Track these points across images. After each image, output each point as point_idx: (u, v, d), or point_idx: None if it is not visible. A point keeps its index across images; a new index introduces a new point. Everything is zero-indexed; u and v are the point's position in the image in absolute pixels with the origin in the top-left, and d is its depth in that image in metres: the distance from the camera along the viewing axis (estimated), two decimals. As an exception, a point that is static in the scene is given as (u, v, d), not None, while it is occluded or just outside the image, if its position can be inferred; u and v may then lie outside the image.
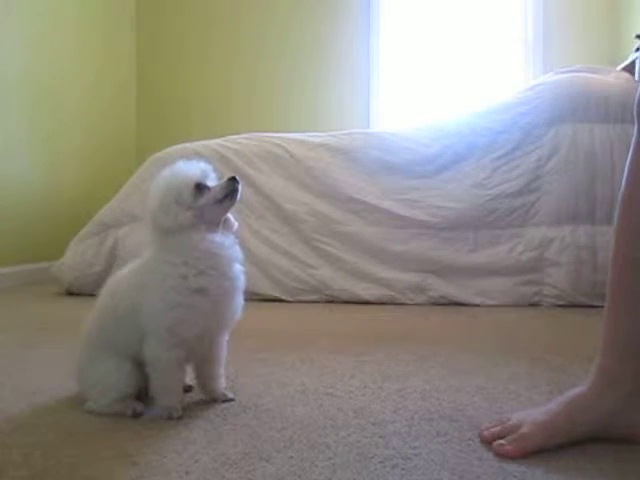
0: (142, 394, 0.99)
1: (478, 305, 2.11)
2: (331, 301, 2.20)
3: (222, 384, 1.04)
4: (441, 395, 1.06)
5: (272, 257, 2.30)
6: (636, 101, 0.84)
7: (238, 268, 0.99)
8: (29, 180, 2.91)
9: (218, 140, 2.63)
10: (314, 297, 2.22)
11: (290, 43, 3.73)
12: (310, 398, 1.04)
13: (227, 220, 1.01)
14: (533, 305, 2.12)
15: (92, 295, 2.41)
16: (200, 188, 0.96)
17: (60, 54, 3.15)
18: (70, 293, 2.44)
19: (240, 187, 0.98)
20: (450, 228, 2.24)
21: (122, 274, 1.06)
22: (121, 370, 0.96)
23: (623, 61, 2.68)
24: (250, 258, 2.33)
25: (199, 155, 2.51)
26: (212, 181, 1.00)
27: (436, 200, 2.28)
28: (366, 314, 1.98)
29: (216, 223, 0.98)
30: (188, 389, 1.09)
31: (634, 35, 2.55)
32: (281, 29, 3.75)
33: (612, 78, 2.38)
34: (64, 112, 3.18)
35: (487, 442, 0.82)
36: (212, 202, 0.96)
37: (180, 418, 0.94)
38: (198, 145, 2.59)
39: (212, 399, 1.02)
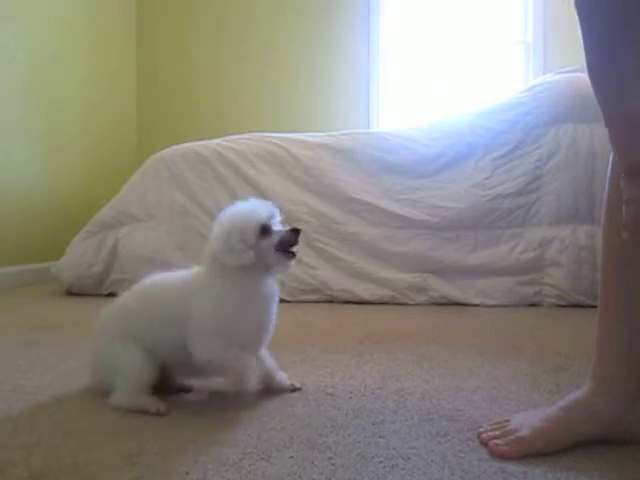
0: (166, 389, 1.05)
1: (478, 305, 2.11)
2: (331, 301, 2.20)
3: (282, 376, 1.10)
4: (441, 395, 1.06)
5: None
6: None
7: (274, 311, 1.06)
8: (29, 180, 2.91)
9: (218, 140, 2.63)
10: (314, 297, 2.22)
11: (292, 43, 3.73)
12: (310, 398, 1.04)
13: (290, 262, 1.06)
14: (533, 305, 2.12)
15: (92, 295, 2.45)
16: (265, 230, 1.01)
17: (60, 52, 3.14)
18: (70, 293, 2.44)
19: (300, 239, 1.03)
20: (450, 228, 2.24)
21: (167, 282, 1.09)
22: (144, 362, 1.01)
23: (623, 61, 2.68)
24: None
25: (199, 155, 2.52)
26: (277, 224, 1.05)
27: (436, 200, 2.28)
28: (366, 314, 1.98)
29: (271, 266, 1.03)
30: (186, 389, 1.09)
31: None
32: (285, 29, 3.74)
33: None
34: (64, 112, 3.18)
35: (485, 444, 0.82)
36: (272, 248, 1.01)
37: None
38: (198, 145, 2.59)
39: (280, 390, 1.08)
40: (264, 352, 1.10)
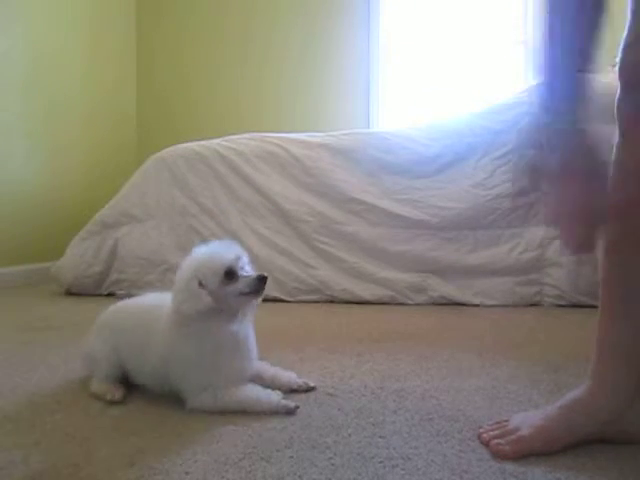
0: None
1: (478, 305, 2.11)
2: (331, 301, 2.20)
3: (290, 376, 1.09)
4: (441, 395, 1.06)
5: (272, 257, 2.30)
6: (616, 102, 0.84)
7: (249, 352, 1.05)
8: (29, 180, 2.91)
9: (218, 140, 2.63)
10: (314, 297, 2.22)
11: (292, 43, 3.73)
12: (310, 398, 1.04)
13: (253, 309, 1.05)
14: (533, 305, 2.12)
15: (92, 295, 2.45)
16: (230, 275, 0.98)
17: (60, 53, 3.14)
18: (70, 293, 2.44)
19: (266, 286, 1.00)
20: (450, 228, 2.24)
21: (151, 317, 1.09)
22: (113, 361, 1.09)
23: (623, 61, 2.68)
24: (250, 258, 2.33)
25: (199, 155, 2.52)
26: (243, 267, 1.01)
27: (436, 200, 2.28)
28: (366, 314, 1.98)
29: (236, 311, 1.01)
30: None
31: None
32: (285, 29, 3.75)
33: (611, 78, 2.37)
34: (64, 112, 3.18)
35: (485, 444, 0.82)
36: (237, 294, 0.98)
37: (296, 408, 0.97)
38: (198, 145, 2.59)
39: (293, 391, 1.07)
40: (259, 365, 1.09)
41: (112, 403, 1.02)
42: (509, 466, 0.76)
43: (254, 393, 0.99)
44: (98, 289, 2.43)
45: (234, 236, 2.37)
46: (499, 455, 0.79)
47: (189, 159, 2.52)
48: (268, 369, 1.10)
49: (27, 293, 2.52)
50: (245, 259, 1.03)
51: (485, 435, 0.84)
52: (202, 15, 3.85)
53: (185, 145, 2.61)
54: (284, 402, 0.97)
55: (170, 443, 0.84)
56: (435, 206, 2.27)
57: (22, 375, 1.21)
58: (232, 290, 0.98)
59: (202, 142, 2.62)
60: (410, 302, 2.16)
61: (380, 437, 0.86)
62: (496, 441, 0.81)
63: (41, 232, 2.92)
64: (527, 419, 0.84)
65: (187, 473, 0.75)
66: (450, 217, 2.24)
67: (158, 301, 1.11)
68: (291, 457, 0.79)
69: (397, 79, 3.68)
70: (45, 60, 3.02)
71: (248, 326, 1.05)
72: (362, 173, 2.38)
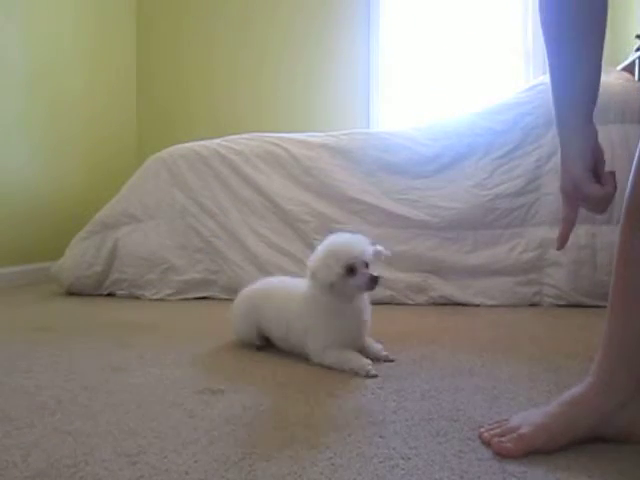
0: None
1: (478, 305, 2.11)
2: (331, 301, 2.20)
3: (376, 346, 1.32)
4: (441, 395, 1.06)
5: (272, 257, 2.30)
6: None
7: (363, 324, 1.30)
8: (30, 181, 2.91)
9: (218, 140, 2.63)
10: (314, 297, 2.22)
11: (291, 43, 3.73)
12: (310, 398, 1.04)
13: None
14: (533, 305, 2.12)
15: (92, 295, 2.45)
16: (351, 269, 1.21)
17: (61, 56, 3.14)
18: (70, 293, 2.44)
19: (377, 286, 1.23)
20: (450, 228, 2.24)
21: (289, 291, 1.40)
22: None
23: (623, 61, 2.68)
24: (250, 258, 2.34)
25: (199, 155, 2.52)
26: (367, 258, 1.23)
27: (436, 200, 2.28)
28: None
29: (352, 296, 1.26)
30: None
31: (634, 35, 2.55)
32: (283, 29, 3.75)
33: (612, 78, 2.37)
34: (65, 114, 3.18)
35: (487, 442, 0.83)
36: (353, 286, 1.22)
37: (375, 376, 1.18)
38: (198, 145, 2.59)
39: (377, 360, 1.28)
40: (366, 343, 1.32)
41: (258, 349, 1.40)
42: (509, 466, 0.76)
43: (349, 356, 1.22)
44: (98, 289, 2.44)
45: (234, 236, 2.38)
46: (501, 453, 0.79)
47: (189, 159, 2.52)
48: (366, 339, 1.32)
49: (27, 293, 2.52)
50: (369, 253, 1.24)
51: (486, 434, 0.84)
52: (200, 17, 3.86)
53: (185, 145, 2.61)
54: (368, 368, 1.18)
55: (170, 443, 0.84)
56: (435, 206, 2.27)
57: (22, 375, 1.21)
58: (350, 283, 1.21)
59: (202, 142, 2.62)
60: (410, 302, 2.16)
61: (380, 437, 0.86)
62: (498, 439, 0.81)
63: (41, 232, 2.93)
64: (528, 417, 0.84)
65: (187, 473, 0.74)
66: (450, 217, 2.24)
67: (294, 282, 1.42)
68: (291, 457, 0.79)
69: (397, 79, 3.68)
70: (46, 63, 3.03)
71: (366, 304, 1.30)
72: (362, 173, 2.38)
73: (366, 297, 1.30)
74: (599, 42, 0.86)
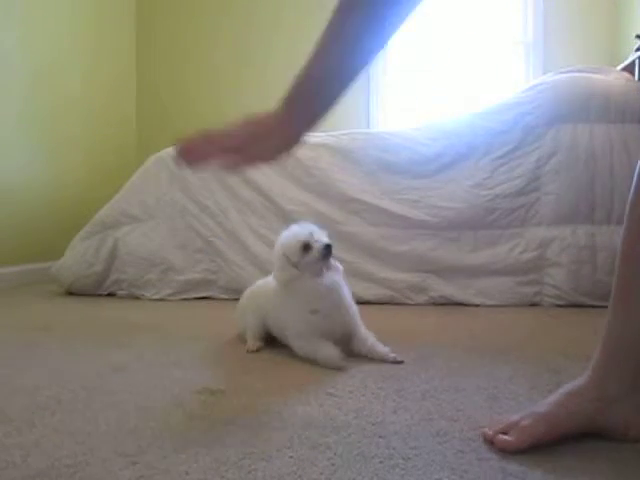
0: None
1: (478, 305, 2.12)
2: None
3: (383, 349, 1.31)
4: (441, 395, 1.06)
5: (272, 257, 2.30)
6: None
7: (340, 297, 1.33)
8: (30, 180, 2.91)
9: (218, 140, 2.62)
10: (314, 297, 2.22)
11: (291, 43, 3.73)
12: (310, 398, 1.04)
13: (331, 266, 1.34)
14: (533, 305, 2.12)
15: (92, 295, 2.45)
16: (306, 247, 1.29)
17: (61, 55, 3.14)
18: (70, 293, 2.44)
19: (332, 251, 1.31)
20: (450, 228, 2.24)
21: (264, 289, 1.48)
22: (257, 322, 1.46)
23: (623, 61, 2.69)
24: (250, 258, 2.34)
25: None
26: (318, 240, 1.30)
27: (436, 200, 2.28)
28: (366, 314, 1.98)
29: (319, 272, 1.31)
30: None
31: (634, 35, 2.55)
32: (285, 29, 3.75)
33: (612, 78, 2.38)
34: (65, 114, 3.18)
35: (490, 440, 0.83)
36: (313, 261, 1.29)
37: (343, 369, 1.22)
38: (198, 145, 2.58)
39: (382, 360, 1.29)
40: (364, 332, 1.34)
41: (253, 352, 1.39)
42: (509, 466, 0.76)
43: (318, 347, 1.27)
44: (98, 289, 2.43)
45: (234, 236, 2.38)
46: (505, 449, 0.80)
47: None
48: (369, 339, 1.33)
49: (27, 293, 2.52)
50: (318, 233, 1.32)
51: (490, 433, 0.84)
52: (201, 16, 3.85)
53: (185, 145, 2.61)
54: (336, 361, 1.23)
55: (170, 443, 0.84)
56: (435, 206, 2.27)
57: (22, 375, 1.21)
58: (309, 259, 1.29)
59: (202, 142, 2.61)
60: (410, 302, 2.16)
61: (380, 437, 0.86)
62: (500, 436, 0.82)
63: (41, 232, 2.92)
64: (529, 411, 0.86)
65: (187, 473, 0.74)
66: (450, 217, 2.24)
67: (262, 283, 1.52)
68: (291, 457, 0.79)
69: (397, 79, 3.68)
70: (46, 63, 3.02)
71: (337, 278, 1.34)
72: (362, 173, 2.38)
73: (338, 275, 1.35)
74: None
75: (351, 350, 1.33)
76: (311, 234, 1.31)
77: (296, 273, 1.30)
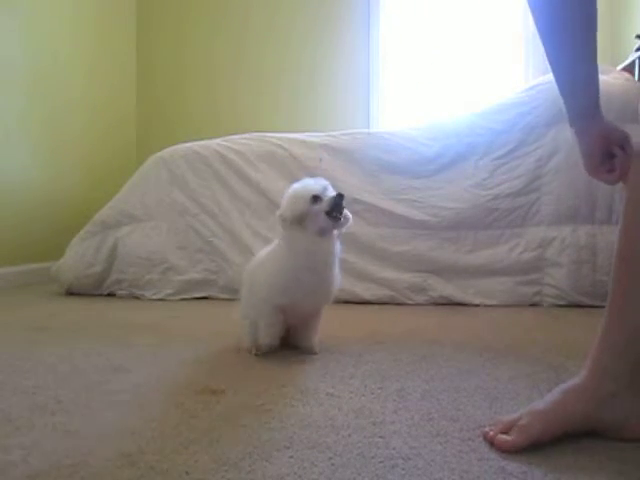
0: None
1: (478, 305, 2.12)
2: (331, 301, 2.20)
3: (314, 343, 1.37)
4: (441, 395, 1.06)
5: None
6: None
7: (332, 266, 1.31)
8: (30, 181, 2.91)
9: (218, 140, 2.63)
10: (314, 297, 2.22)
11: (291, 43, 3.73)
12: (310, 398, 1.04)
13: (341, 224, 1.31)
14: (533, 305, 2.12)
15: (92, 295, 2.45)
16: (315, 199, 1.28)
17: (61, 55, 3.14)
18: (70, 293, 2.44)
19: (344, 202, 1.28)
20: (450, 228, 2.24)
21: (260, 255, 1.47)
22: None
23: (623, 61, 2.68)
24: (250, 258, 2.33)
25: (199, 155, 2.52)
26: (330, 194, 1.30)
27: (436, 200, 2.28)
28: (366, 314, 1.98)
29: (327, 230, 1.29)
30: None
31: (634, 35, 2.55)
32: (283, 29, 3.75)
33: (612, 78, 2.37)
34: (65, 114, 3.18)
35: (490, 440, 0.83)
36: (322, 211, 1.27)
37: (256, 355, 1.33)
38: (198, 145, 2.59)
39: (307, 352, 1.36)
40: (316, 321, 1.37)
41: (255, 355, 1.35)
42: (509, 466, 0.76)
43: (273, 324, 1.33)
44: (98, 289, 2.43)
45: (234, 236, 2.38)
46: (506, 449, 0.80)
47: (189, 159, 2.52)
48: (314, 335, 1.38)
49: (27, 293, 2.52)
50: (330, 188, 1.32)
51: (491, 433, 0.84)
52: (200, 17, 3.85)
53: (185, 145, 2.61)
54: (265, 344, 1.32)
55: (170, 443, 0.84)
56: (435, 206, 2.27)
57: (22, 375, 1.21)
58: (317, 208, 1.27)
59: (202, 142, 2.62)
60: (410, 302, 2.16)
61: (380, 437, 0.86)
62: (500, 436, 0.82)
63: (41, 232, 2.92)
64: (527, 410, 0.86)
65: (187, 473, 0.74)
66: (450, 217, 2.24)
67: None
68: (291, 457, 0.79)
69: (397, 79, 3.68)
70: (46, 63, 3.02)
71: (335, 244, 1.32)
72: (362, 173, 2.38)
73: (335, 236, 1.33)
74: (592, 38, 0.90)
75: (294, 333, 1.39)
76: (324, 189, 1.30)
77: (304, 214, 1.27)
